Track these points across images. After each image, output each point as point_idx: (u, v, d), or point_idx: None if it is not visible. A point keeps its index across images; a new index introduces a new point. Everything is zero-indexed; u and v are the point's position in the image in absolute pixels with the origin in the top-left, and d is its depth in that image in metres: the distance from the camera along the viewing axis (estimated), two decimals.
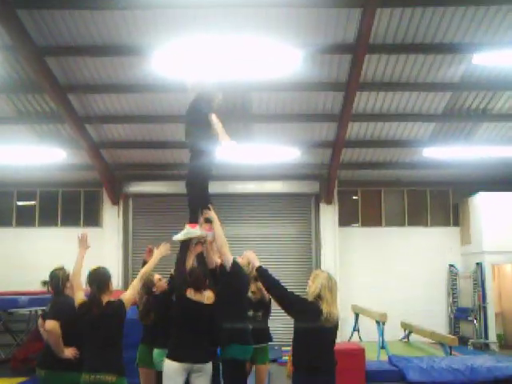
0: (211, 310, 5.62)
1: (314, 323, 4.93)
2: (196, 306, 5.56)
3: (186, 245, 5.96)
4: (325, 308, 4.94)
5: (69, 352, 5.51)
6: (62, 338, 5.48)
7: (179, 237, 6.00)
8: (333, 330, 5.08)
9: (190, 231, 5.97)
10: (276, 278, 5.41)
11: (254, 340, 6.25)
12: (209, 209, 6.07)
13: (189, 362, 5.42)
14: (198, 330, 5.54)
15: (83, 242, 6.12)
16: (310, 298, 5.08)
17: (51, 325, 5.48)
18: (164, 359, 5.59)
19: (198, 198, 6.17)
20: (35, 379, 5.76)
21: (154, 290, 6.53)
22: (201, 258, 6.20)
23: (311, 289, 5.10)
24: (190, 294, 5.58)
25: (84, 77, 12.30)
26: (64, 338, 5.50)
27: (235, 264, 5.85)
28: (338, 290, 5.16)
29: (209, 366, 5.57)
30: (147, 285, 6.52)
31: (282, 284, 5.35)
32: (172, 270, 6.34)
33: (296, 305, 5.15)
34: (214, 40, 10.64)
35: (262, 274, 5.41)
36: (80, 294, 5.53)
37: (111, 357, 5.28)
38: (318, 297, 5.01)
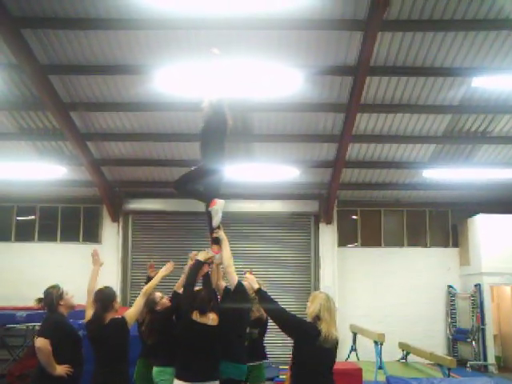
0: (216, 332, 5.69)
1: (312, 344, 4.96)
2: (201, 328, 5.63)
3: (195, 268, 6.01)
4: (323, 329, 4.97)
5: (61, 369, 5.57)
6: (53, 356, 5.52)
7: (218, 220, 6.23)
8: (332, 350, 5.10)
9: (216, 207, 6.20)
10: (275, 299, 5.46)
11: (248, 357, 6.37)
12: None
13: (198, 381, 5.50)
14: (205, 351, 5.63)
15: (97, 260, 6.23)
16: (309, 318, 5.13)
17: (41, 342, 5.55)
18: (173, 379, 5.66)
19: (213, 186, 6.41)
20: None
21: (158, 308, 6.59)
22: (206, 278, 6.28)
23: (310, 310, 5.14)
24: (196, 316, 5.65)
25: (86, 95, 12.40)
26: (56, 356, 5.54)
27: (240, 285, 5.91)
28: (336, 309, 5.21)
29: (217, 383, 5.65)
30: (149, 304, 6.59)
31: (281, 305, 5.39)
32: (175, 287, 6.41)
33: (295, 326, 5.18)
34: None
35: (262, 296, 5.45)
36: (90, 311, 5.66)
37: (115, 371, 5.50)
38: (317, 317, 5.06)
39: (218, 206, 6.22)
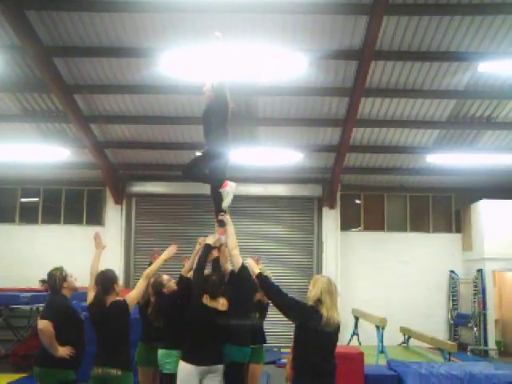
0: (225, 317, 5.75)
1: (314, 328, 4.97)
2: (211, 312, 5.69)
3: (205, 252, 6.04)
4: (325, 312, 4.97)
5: (63, 351, 5.62)
6: (56, 338, 5.58)
7: (228, 202, 6.25)
8: (333, 334, 5.11)
9: (228, 189, 6.22)
10: (275, 283, 5.48)
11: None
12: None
13: (206, 364, 5.56)
14: (213, 334, 5.67)
15: (99, 242, 6.26)
16: (310, 302, 5.12)
17: (43, 324, 5.60)
18: (178, 361, 5.73)
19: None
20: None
21: (165, 290, 6.62)
22: (215, 262, 6.31)
23: (311, 293, 5.14)
24: (206, 300, 5.71)
25: (90, 77, 12.37)
26: (58, 337, 5.60)
27: (244, 268, 5.93)
28: (338, 293, 5.21)
29: (222, 367, 5.72)
30: (156, 286, 6.65)
31: (282, 289, 5.41)
32: (182, 271, 6.45)
33: (296, 310, 5.19)
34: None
35: (262, 280, 5.47)
36: (92, 294, 5.71)
37: (117, 352, 5.54)
38: (318, 301, 5.05)
39: (230, 189, 6.25)
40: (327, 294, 5.04)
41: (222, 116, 6.50)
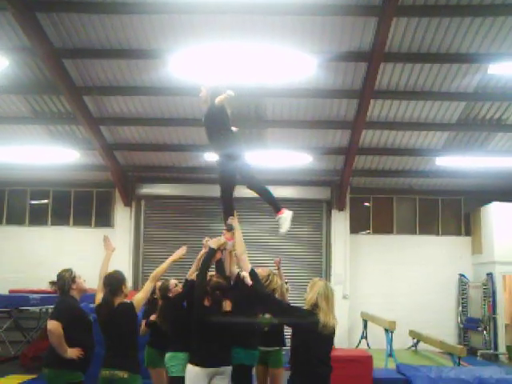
0: (230, 317, 5.74)
1: (312, 331, 5.00)
2: (215, 313, 5.69)
3: (209, 255, 6.02)
4: (322, 317, 5.00)
5: (72, 352, 5.62)
6: (64, 339, 5.58)
7: (286, 228, 6.35)
8: (330, 337, 5.15)
9: (284, 216, 6.34)
10: (269, 293, 5.62)
11: (266, 343, 6.64)
12: (233, 214, 6.27)
13: (214, 366, 5.56)
14: (219, 335, 5.64)
15: (109, 245, 6.28)
16: (307, 306, 5.15)
17: (52, 325, 5.60)
18: (184, 364, 5.74)
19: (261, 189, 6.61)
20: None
21: (170, 295, 6.62)
22: (219, 264, 6.30)
23: (308, 297, 5.19)
24: (209, 302, 5.71)
25: (100, 79, 12.40)
26: (67, 339, 5.60)
27: (252, 273, 5.92)
28: (334, 297, 5.23)
29: (230, 368, 5.71)
30: (163, 291, 6.64)
31: (276, 298, 5.46)
32: (187, 275, 6.44)
33: (292, 315, 5.24)
34: (230, 46, 10.69)
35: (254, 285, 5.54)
36: (100, 295, 5.72)
37: (124, 355, 5.55)
38: (315, 305, 5.07)
39: (286, 216, 6.31)
40: (323, 298, 5.08)
41: (223, 120, 6.51)
